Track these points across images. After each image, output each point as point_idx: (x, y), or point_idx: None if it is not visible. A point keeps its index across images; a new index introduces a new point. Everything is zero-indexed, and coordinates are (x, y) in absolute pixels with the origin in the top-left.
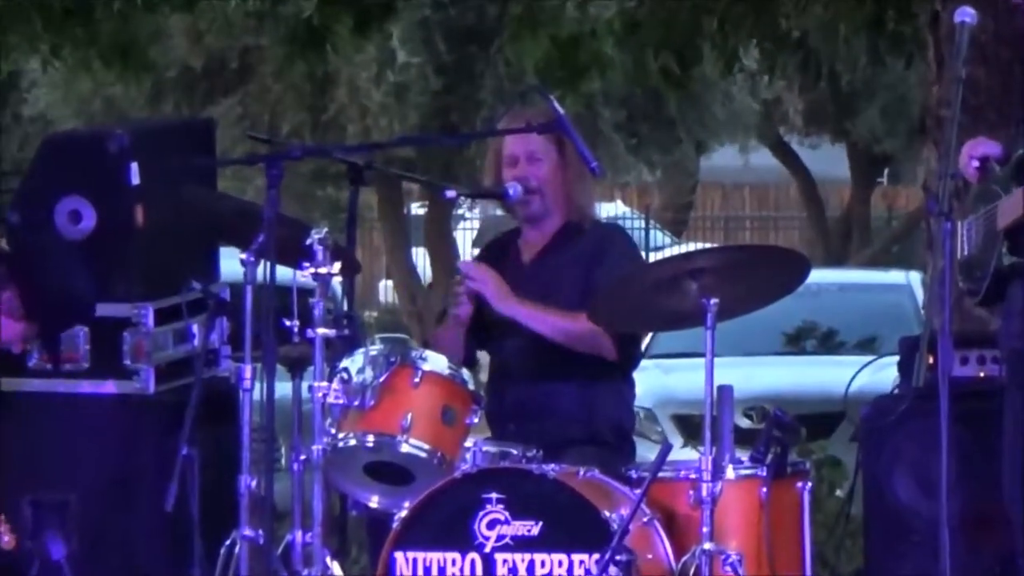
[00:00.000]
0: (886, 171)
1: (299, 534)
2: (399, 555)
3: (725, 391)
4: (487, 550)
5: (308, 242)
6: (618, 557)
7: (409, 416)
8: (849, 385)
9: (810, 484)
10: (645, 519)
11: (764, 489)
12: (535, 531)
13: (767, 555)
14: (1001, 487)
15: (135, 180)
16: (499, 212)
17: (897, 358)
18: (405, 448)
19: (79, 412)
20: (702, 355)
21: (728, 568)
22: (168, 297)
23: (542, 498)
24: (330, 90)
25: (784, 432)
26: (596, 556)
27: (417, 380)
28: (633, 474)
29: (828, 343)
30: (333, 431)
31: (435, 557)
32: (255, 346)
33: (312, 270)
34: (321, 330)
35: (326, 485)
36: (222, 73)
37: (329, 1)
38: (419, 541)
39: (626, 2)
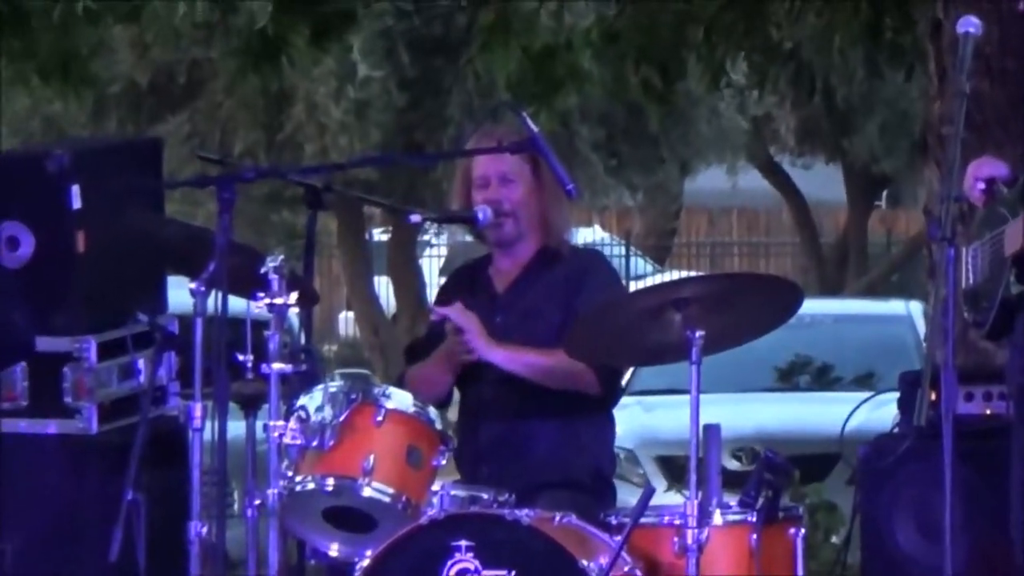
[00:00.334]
0: (885, 193)
1: None
2: None
3: (712, 430)
4: None
5: (263, 271)
6: None
7: (371, 457)
8: (845, 423)
9: (803, 530)
10: (626, 568)
11: (754, 536)
12: None
13: None
14: (1009, 532)
15: (76, 204)
16: (468, 238)
17: (897, 394)
18: (367, 492)
19: (17, 453)
20: (687, 392)
21: None
22: (112, 330)
23: (515, 546)
24: (286, 106)
25: (776, 474)
26: None
27: (380, 419)
28: (613, 520)
29: (823, 378)
30: (290, 474)
31: None
32: (206, 382)
33: (267, 301)
34: (277, 365)
35: (282, 532)
36: (169, 88)
37: (284, 10)
38: None
39: (604, 11)
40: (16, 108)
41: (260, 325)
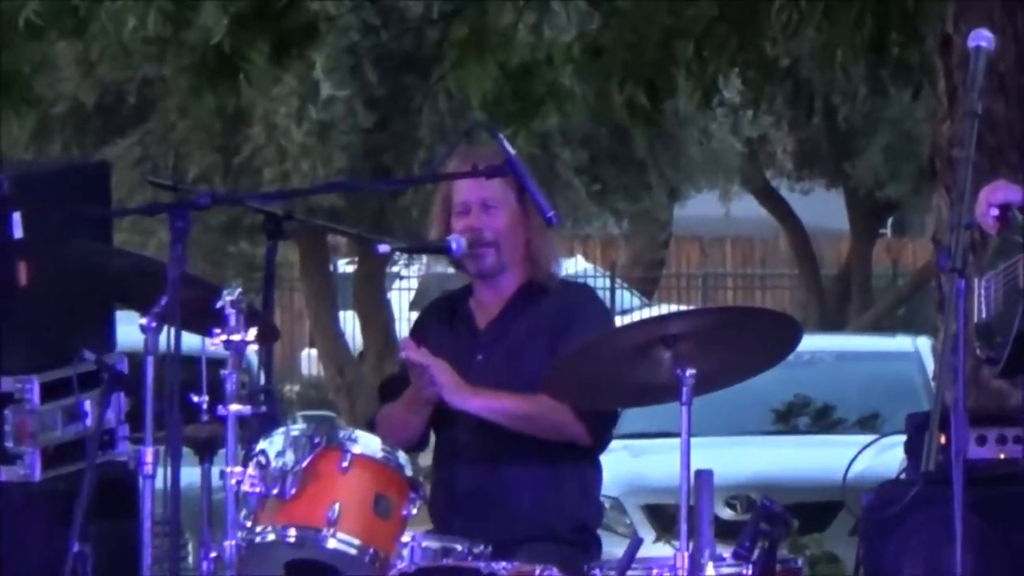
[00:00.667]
0: (890, 221)
1: None
2: None
3: (704, 477)
4: None
5: (219, 305)
6: None
7: (336, 506)
8: (848, 469)
9: None
10: None
11: None
12: None
13: None
14: None
15: (18, 233)
16: (441, 269)
17: (903, 438)
18: (332, 543)
19: None
20: (677, 435)
21: None
22: (56, 369)
23: None
24: (244, 128)
25: (773, 524)
26: None
27: (346, 465)
28: (598, 573)
29: (823, 420)
30: (248, 524)
31: None
32: (158, 426)
33: (224, 337)
34: (234, 407)
35: None
36: (118, 108)
37: (242, 24)
38: None
39: (587, 25)
40: None
41: (216, 364)
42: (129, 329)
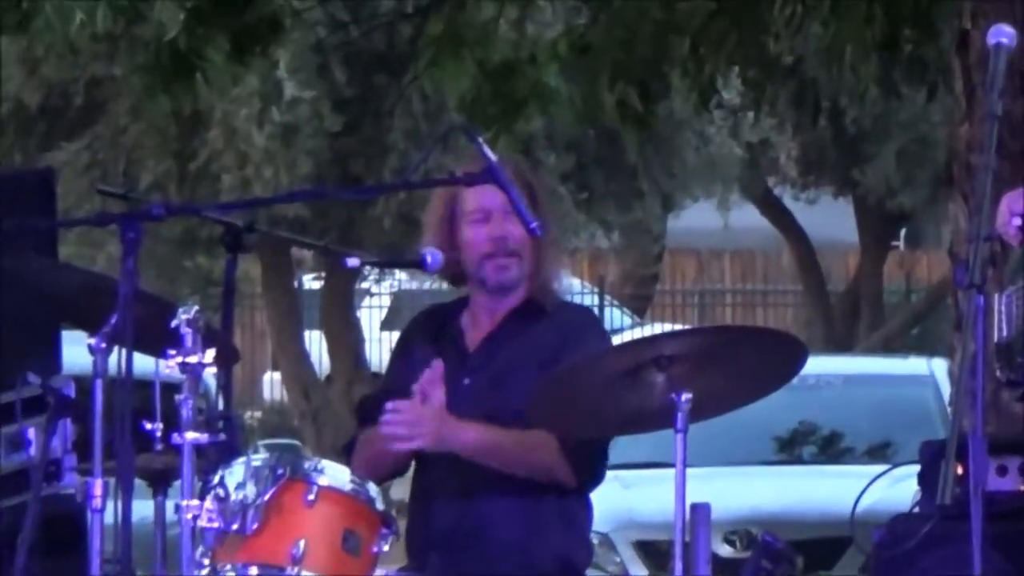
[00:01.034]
0: (903, 232)
1: None
2: None
3: (701, 511)
4: None
5: (174, 324)
6: None
7: (302, 543)
8: (857, 502)
9: None
10: None
11: None
12: None
13: None
14: None
15: None
16: (415, 285)
17: (917, 468)
18: None
19: None
20: (671, 465)
21: None
22: None
23: None
24: (201, 132)
25: (775, 562)
26: None
27: (312, 498)
28: None
29: (830, 449)
30: (206, 562)
31: None
32: (107, 455)
33: (179, 359)
34: (190, 435)
35: None
36: (65, 111)
37: (199, 20)
38: None
39: (574, 20)
40: None
41: (171, 388)
42: (76, 350)
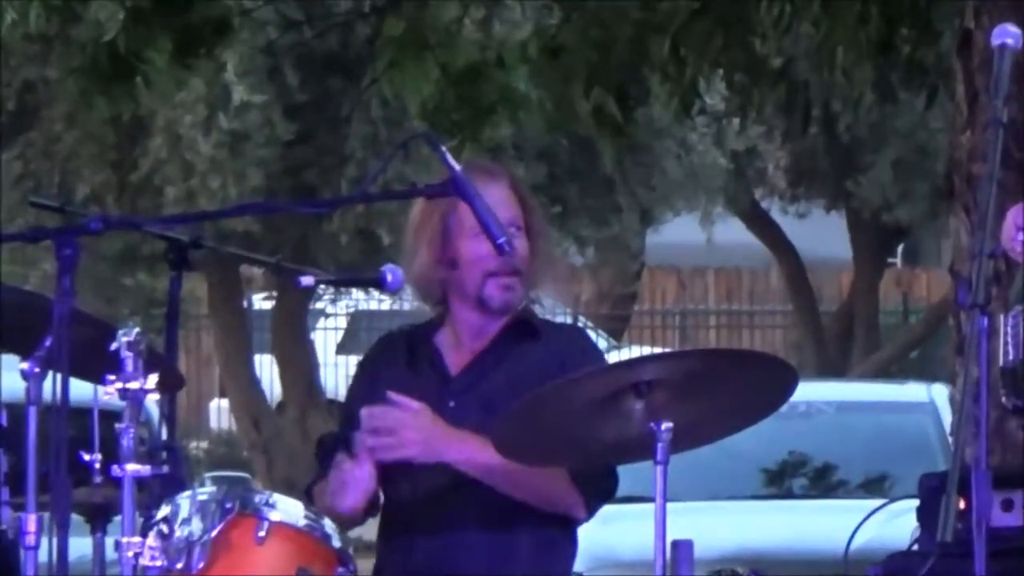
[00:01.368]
0: (900, 248)
1: None
2: None
3: (683, 548)
4: None
5: (114, 347)
6: None
7: None
8: (851, 539)
9: None
10: None
11: None
12: None
13: None
14: None
15: None
16: (373, 306)
17: (916, 502)
18: None
19: None
20: (651, 499)
21: None
22: None
23: None
24: (142, 140)
25: None
26: None
27: (262, 534)
28: None
29: (822, 482)
30: None
31: None
32: (42, 489)
33: (119, 385)
34: (131, 466)
35: None
36: None
37: (139, 19)
38: None
39: (544, 20)
40: None
41: (110, 416)
42: (8, 376)
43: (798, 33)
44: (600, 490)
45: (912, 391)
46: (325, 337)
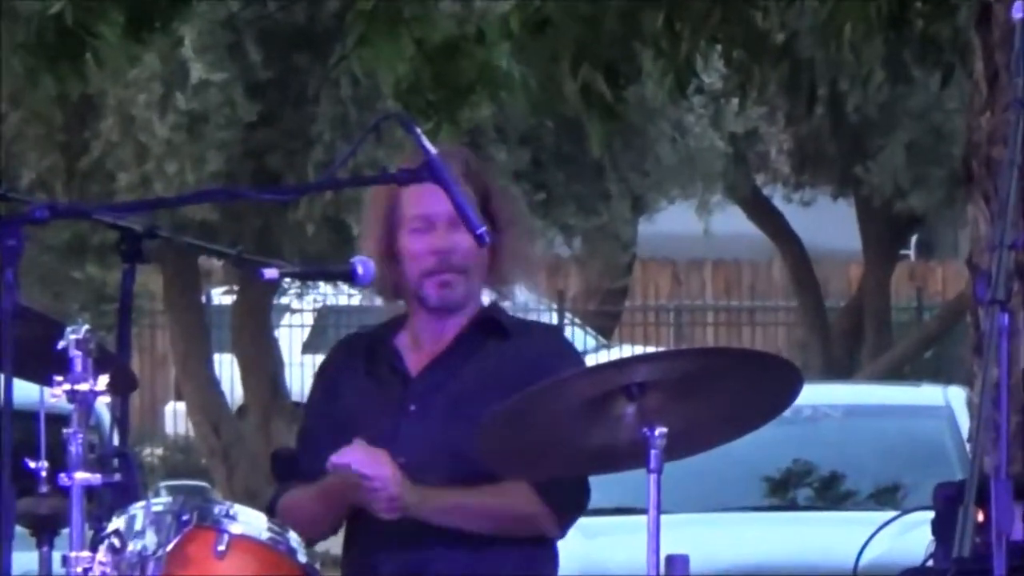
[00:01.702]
0: (914, 239)
1: None
2: None
3: (678, 564)
4: None
5: (61, 345)
6: None
7: None
8: (861, 554)
9: None
10: None
11: None
12: None
13: None
14: None
15: None
16: (342, 301)
17: (931, 514)
18: None
19: None
20: (643, 511)
21: None
22: None
23: None
24: (92, 121)
25: None
26: None
27: (222, 548)
28: None
29: (830, 493)
30: None
31: None
32: None
33: (67, 387)
34: (80, 475)
35: None
36: None
37: None
38: None
39: None
40: None
41: (58, 420)
42: None
43: (802, 6)
44: (571, 503)
45: (926, 394)
46: (290, 335)
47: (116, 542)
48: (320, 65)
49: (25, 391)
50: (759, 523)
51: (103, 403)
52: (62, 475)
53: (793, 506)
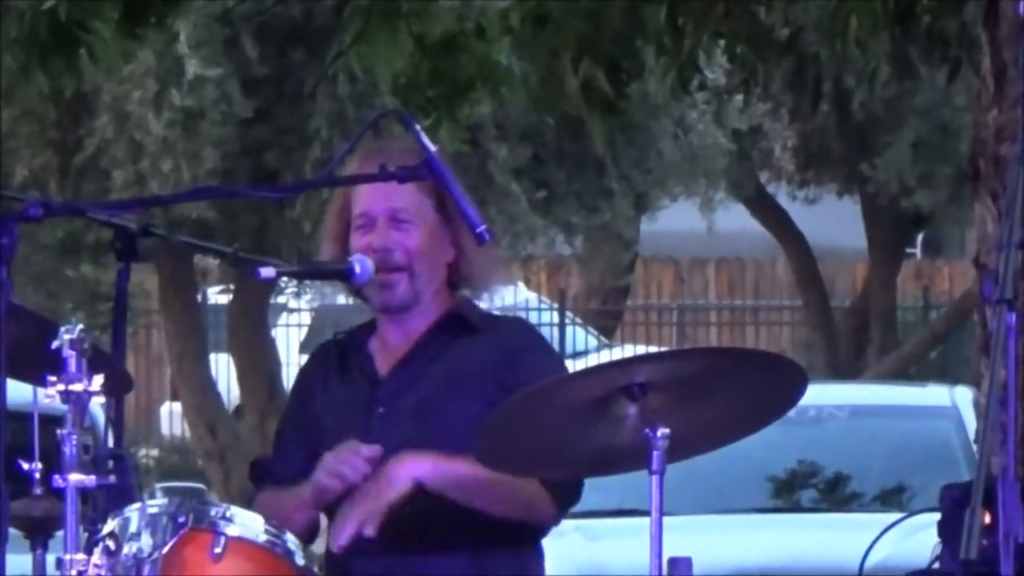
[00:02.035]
0: (920, 238)
1: None
2: None
3: (681, 566)
4: None
5: (55, 345)
6: None
7: None
8: (866, 556)
9: None
10: None
11: None
12: None
13: None
14: None
15: None
16: (342, 299)
17: (937, 516)
18: None
19: None
20: (645, 513)
21: None
22: None
23: None
24: (86, 118)
25: None
26: None
27: (219, 551)
28: None
29: (835, 494)
30: None
31: None
32: None
33: (61, 387)
34: (75, 476)
35: None
36: None
37: None
38: None
39: None
40: None
41: (52, 421)
42: None
43: (807, 3)
44: (569, 490)
45: (933, 394)
46: (287, 334)
47: (111, 544)
48: (317, 61)
49: (18, 391)
50: (763, 525)
51: (98, 404)
52: (56, 477)
53: (798, 508)
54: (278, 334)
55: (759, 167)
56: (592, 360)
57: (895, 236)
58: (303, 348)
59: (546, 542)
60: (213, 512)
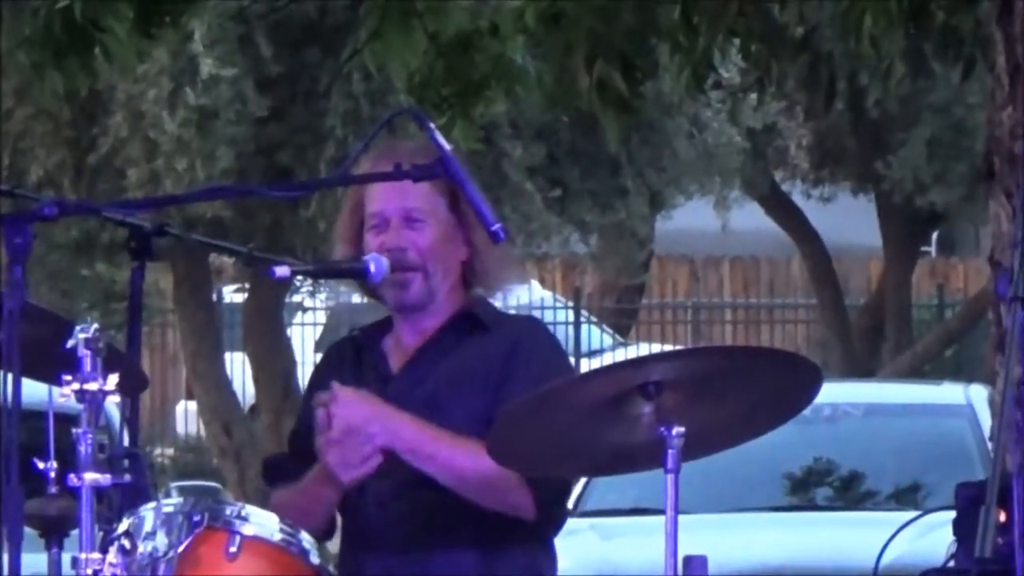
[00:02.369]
0: (935, 236)
1: None
2: None
3: (696, 565)
4: None
5: (70, 344)
6: None
7: None
8: (881, 555)
9: None
10: None
11: None
12: None
13: None
14: None
15: None
16: (356, 298)
17: (952, 514)
18: None
19: None
20: (660, 512)
21: None
22: None
23: None
24: (101, 117)
25: None
26: None
27: (234, 549)
28: None
29: (850, 492)
30: None
31: None
32: None
33: (76, 386)
34: (90, 475)
35: None
36: None
37: None
38: None
39: None
40: None
41: (67, 420)
42: None
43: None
44: (549, 488)
45: (948, 392)
46: (303, 333)
47: (126, 543)
48: (332, 59)
49: (34, 390)
50: (778, 523)
51: (113, 403)
52: (71, 476)
53: (813, 506)
54: (293, 333)
55: (774, 165)
56: (607, 358)
57: (910, 234)
58: (318, 347)
59: (560, 541)
60: (228, 511)
